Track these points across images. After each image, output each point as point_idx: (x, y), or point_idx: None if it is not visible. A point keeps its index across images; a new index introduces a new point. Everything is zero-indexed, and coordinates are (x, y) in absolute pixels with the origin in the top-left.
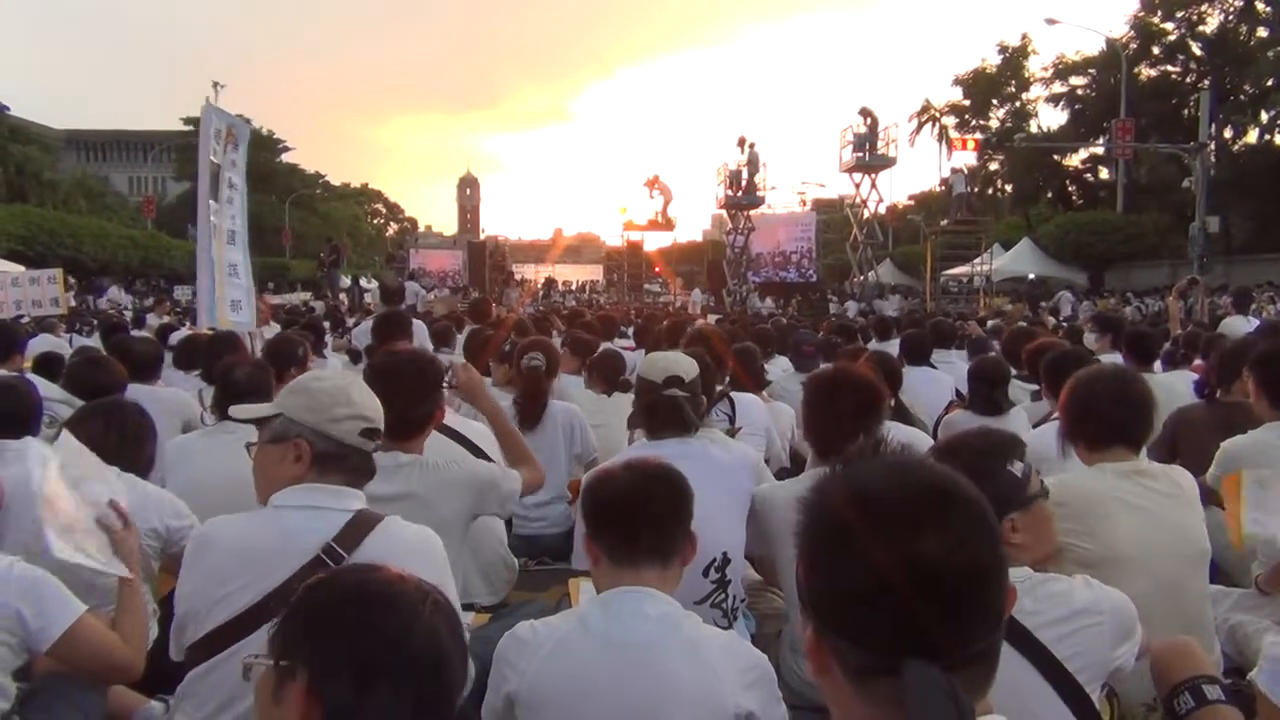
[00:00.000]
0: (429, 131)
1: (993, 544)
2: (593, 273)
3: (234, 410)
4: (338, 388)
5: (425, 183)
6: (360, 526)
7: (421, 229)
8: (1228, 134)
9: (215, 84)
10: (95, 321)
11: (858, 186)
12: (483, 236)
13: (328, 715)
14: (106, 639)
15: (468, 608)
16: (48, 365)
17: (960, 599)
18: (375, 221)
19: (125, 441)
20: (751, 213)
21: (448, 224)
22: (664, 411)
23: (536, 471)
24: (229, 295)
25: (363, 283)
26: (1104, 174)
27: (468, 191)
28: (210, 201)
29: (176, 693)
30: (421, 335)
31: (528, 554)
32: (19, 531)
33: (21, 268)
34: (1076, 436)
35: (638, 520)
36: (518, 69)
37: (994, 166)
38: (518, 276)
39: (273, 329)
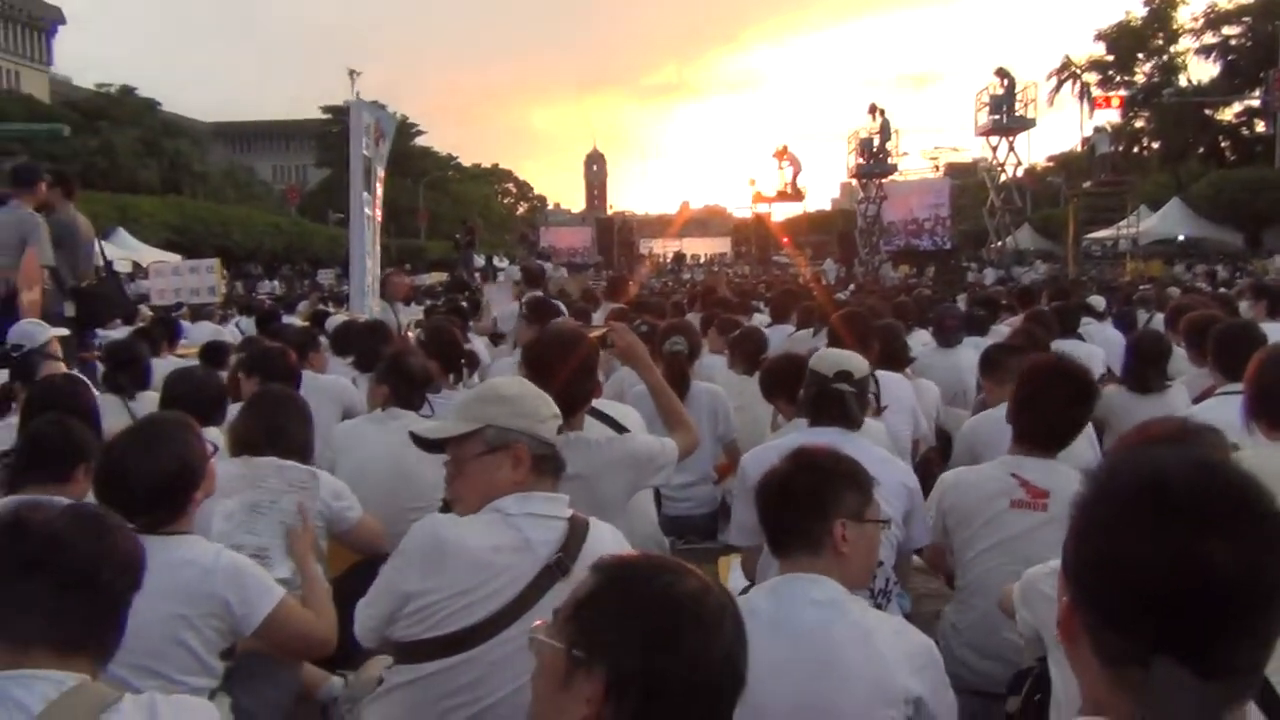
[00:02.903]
0: (556, 109)
1: None
2: (721, 245)
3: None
4: (530, 392)
5: (553, 160)
6: (577, 533)
7: (550, 207)
8: None
9: (351, 72)
10: (241, 309)
11: (994, 149)
12: (610, 212)
13: (615, 717)
14: (305, 619)
15: None
16: (213, 354)
17: (1236, 614)
18: (506, 201)
19: (278, 431)
20: (883, 180)
21: (575, 200)
22: (831, 403)
23: (691, 435)
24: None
25: (495, 262)
26: (1260, 128)
27: (594, 168)
28: (364, 193)
29: (383, 688)
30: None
31: (676, 534)
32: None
33: (179, 257)
34: (1260, 415)
35: (800, 511)
36: (645, 43)
37: (1139, 124)
38: (644, 251)
39: (412, 311)
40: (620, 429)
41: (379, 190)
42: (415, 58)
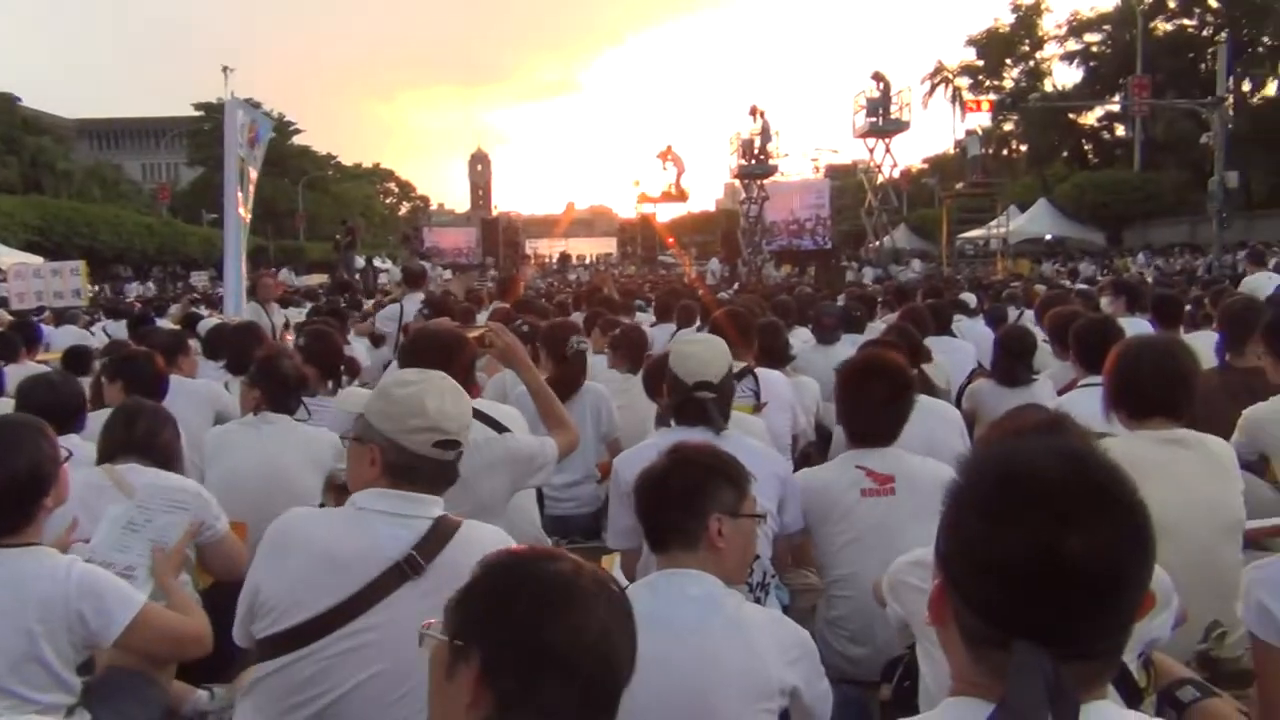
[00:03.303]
0: (439, 108)
1: (1142, 550)
2: (606, 246)
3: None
4: (413, 396)
5: (437, 160)
6: (441, 534)
7: (434, 207)
8: (1245, 87)
9: (225, 68)
10: (108, 312)
11: (871, 151)
12: (495, 213)
13: (497, 703)
14: (172, 620)
15: None
16: (76, 359)
17: (1092, 600)
18: (388, 201)
19: (139, 438)
20: (765, 181)
21: (460, 201)
22: (693, 413)
23: (571, 434)
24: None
25: (376, 263)
26: (1120, 132)
27: (479, 168)
28: (238, 194)
29: (245, 686)
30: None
31: (560, 534)
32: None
33: (40, 259)
34: (1119, 406)
35: (681, 507)
36: (526, 40)
37: (1009, 127)
38: (530, 251)
39: (293, 313)
40: (500, 429)
41: (251, 190)
42: (293, 54)
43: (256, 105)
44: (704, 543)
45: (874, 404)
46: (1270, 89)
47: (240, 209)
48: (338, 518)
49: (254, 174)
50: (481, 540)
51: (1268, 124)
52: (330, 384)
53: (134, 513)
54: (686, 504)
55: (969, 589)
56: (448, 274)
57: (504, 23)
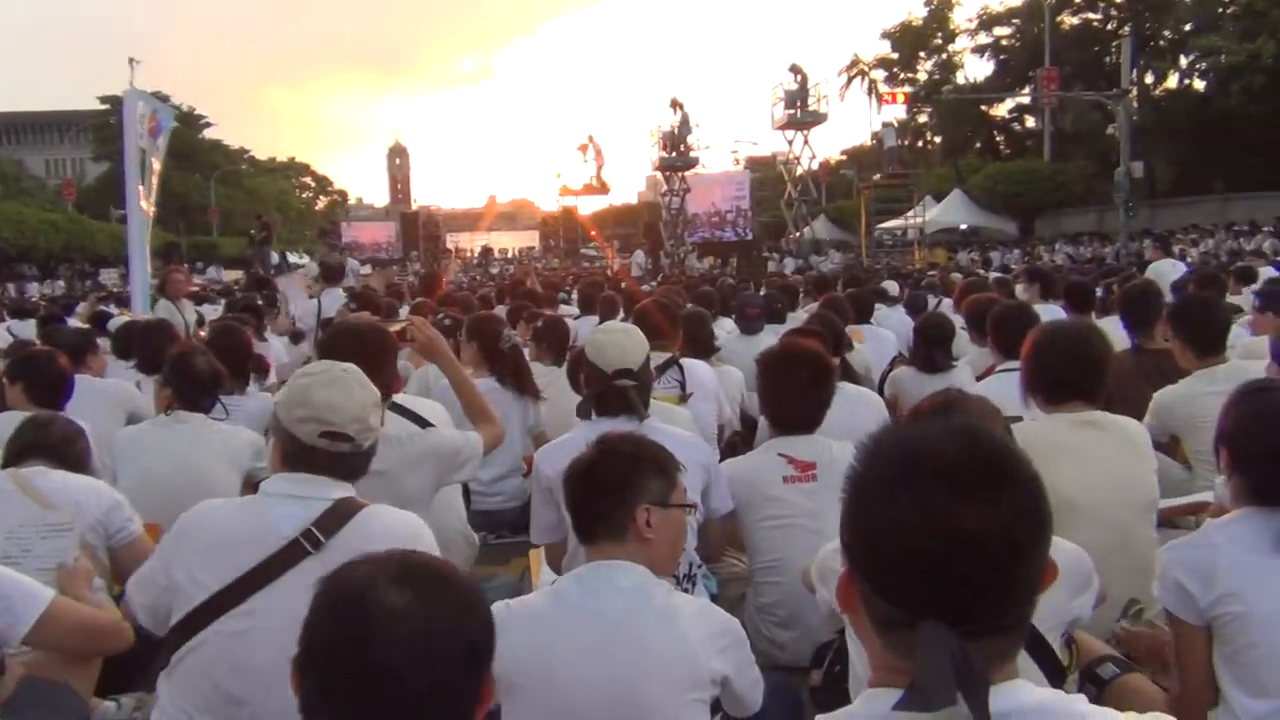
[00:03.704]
0: (355, 100)
1: (1037, 523)
2: (529, 239)
3: None
4: (304, 387)
5: (354, 154)
6: (341, 513)
7: (352, 201)
8: (1149, 80)
9: (131, 60)
10: (11, 311)
11: (790, 143)
12: (415, 207)
13: (302, 700)
14: (86, 611)
15: None
16: None
17: (993, 576)
18: (304, 195)
19: (50, 441)
20: (686, 173)
21: (379, 195)
22: (615, 400)
23: (496, 428)
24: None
25: (294, 258)
26: (1030, 123)
27: (397, 161)
28: (139, 187)
29: (161, 675)
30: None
31: (487, 528)
32: None
33: None
34: (1035, 390)
35: (609, 498)
36: (439, 29)
37: (923, 119)
38: (451, 245)
39: (208, 310)
40: (424, 424)
41: (154, 183)
42: (205, 46)
43: (164, 98)
44: (632, 534)
45: (795, 392)
46: (1171, 81)
47: (143, 202)
48: (237, 504)
49: (157, 165)
50: (388, 522)
51: (1170, 116)
52: (240, 383)
53: (7, 546)
54: (613, 495)
55: (873, 573)
56: (366, 269)
57: (416, 11)
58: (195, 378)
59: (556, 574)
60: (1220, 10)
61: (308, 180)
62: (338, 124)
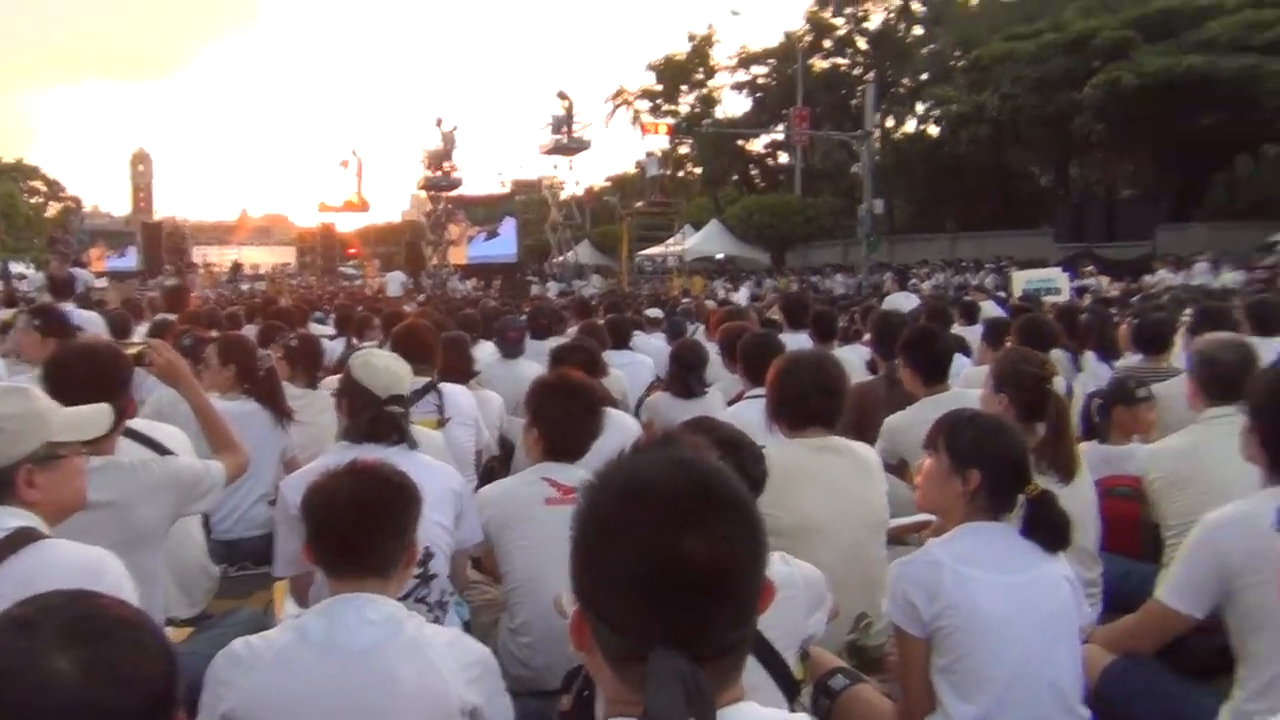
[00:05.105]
0: (94, 98)
1: (754, 544)
2: (284, 255)
3: None
4: (18, 417)
5: (92, 159)
6: (11, 544)
7: (88, 209)
8: (890, 123)
9: None
10: None
11: (556, 169)
12: (158, 217)
13: None
14: None
15: (166, 623)
16: None
17: (714, 596)
18: (33, 200)
19: None
20: (450, 194)
21: (119, 204)
22: (386, 427)
23: (240, 456)
24: None
25: (22, 268)
26: (784, 159)
27: (140, 168)
28: None
29: None
30: (96, 328)
31: (228, 560)
32: None
33: None
34: (779, 417)
35: (362, 529)
36: (186, 34)
37: (685, 150)
38: (199, 259)
39: None
40: (162, 450)
41: None
42: None
43: None
44: (395, 564)
45: (571, 420)
46: (909, 126)
47: None
48: None
49: None
50: (63, 557)
51: (908, 157)
52: None
53: None
54: (364, 525)
55: (602, 606)
56: (102, 282)
57: (162, 14)
58: None
59: (303, 607)
60: (952, 63)
61: (37, 184)
62: (75, 128)
